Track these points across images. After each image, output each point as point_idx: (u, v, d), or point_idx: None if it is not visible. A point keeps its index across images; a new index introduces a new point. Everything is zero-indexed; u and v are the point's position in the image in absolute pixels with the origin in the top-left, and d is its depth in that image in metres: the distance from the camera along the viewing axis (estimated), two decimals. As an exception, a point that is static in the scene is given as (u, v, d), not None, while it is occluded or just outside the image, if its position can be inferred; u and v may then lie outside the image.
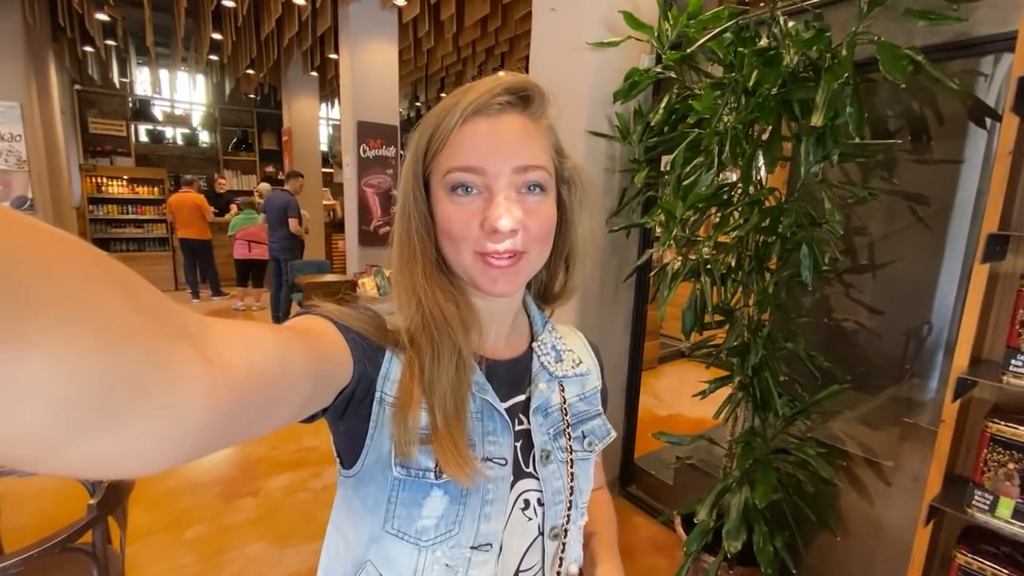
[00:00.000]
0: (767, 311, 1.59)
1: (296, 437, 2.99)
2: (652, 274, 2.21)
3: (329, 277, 4.72)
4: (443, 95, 8.82)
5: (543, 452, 0.58)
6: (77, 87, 8.12)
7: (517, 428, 0.57)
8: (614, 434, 0.66)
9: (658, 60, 1.96)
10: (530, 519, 0.57)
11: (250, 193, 7.67)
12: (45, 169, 5.65)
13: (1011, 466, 1.20)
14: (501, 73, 0.51)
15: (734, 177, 1.68)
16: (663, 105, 1.82)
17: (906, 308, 1.89)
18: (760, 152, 1.54)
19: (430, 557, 0.51)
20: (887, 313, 1.88)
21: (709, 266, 1.60)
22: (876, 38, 1.28)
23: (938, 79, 1.24)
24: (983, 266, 1.24)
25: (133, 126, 8.55)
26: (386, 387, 0.50)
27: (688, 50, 1.62)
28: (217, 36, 5.79)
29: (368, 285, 3.94)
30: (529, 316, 0.64)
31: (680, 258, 1.65)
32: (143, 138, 8.76)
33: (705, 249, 1.59)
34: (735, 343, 1.62)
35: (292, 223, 4.75)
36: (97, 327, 0.20)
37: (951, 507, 1.29)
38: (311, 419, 0.45)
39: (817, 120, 1.29)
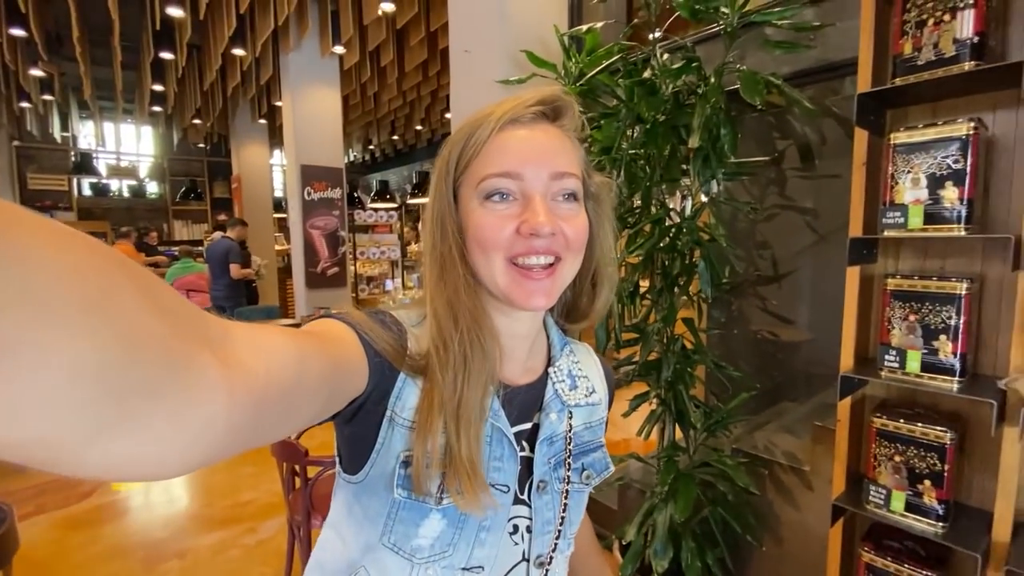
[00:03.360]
0: (674, 325, 1.64)
1: (231, 492, 2.84)
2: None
3: (275, 323, 4.62)
4: (395, 137, 8.96)
5: (540, 483, 0.57)
6: (16, 143, 7.91)
7: (520, 455, 0.56)
8: (612, 468, 0.64)
9: (565, 94, 2.06)
10: (516, 544, 0.56)
11: (200, 243, 7.52)
12: (-27, 227, 5.41)
13: (897, 459, 1.25)
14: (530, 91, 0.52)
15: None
16: (569, 135, 1.90)
17: (821, 316, 1.98)
18: (660, 175, 1.62)
19: (422, 573, 0.51)
20: (801, 322, 1.97)
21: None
22: (739, 67, 1.39)
23: (795, 99, 1.35)
24: (853, 268, 1.33)
25: (75, 180, 8.33)
26: (397, 407, 0.49)
27: (580, 84, 1.71)
28: (158, 88, 5.79)
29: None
30: (548, 337, 0.62)
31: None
32: (86, 192, 8.53)
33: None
34: (648, 358, 1.66)
35: (233, 268, 4.69)
36: (119, 331, 0.20)
37: (852, 505, 1.33)
38: (319, 422, 0.45)
39: (694, 142, 1.38)
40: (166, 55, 4.73)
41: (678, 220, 1.65)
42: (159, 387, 0.22)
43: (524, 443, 0.57)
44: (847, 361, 1.34)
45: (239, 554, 2.30)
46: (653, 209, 1.67)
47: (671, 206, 1.71)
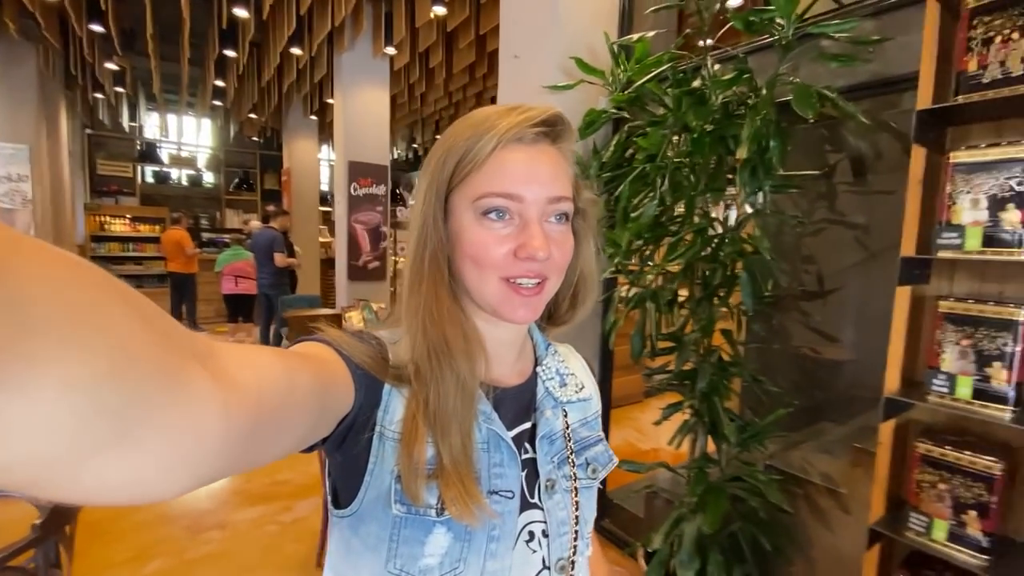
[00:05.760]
0: (712, 336, 1.63)
1: (270, 470, 2.97)
2: (599, 300, 2.25)
3: (316, 311, 4.78)
4: (438, 136, 9.11)
5: (548, 482, 0.56)
6: (88, 131, 8.46)
7: (523, 457, 0.55)
8: (616, 460, 0.65)
9: (613, 101, 2.08)
10: (534, 551, 0.55)
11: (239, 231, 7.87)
12: (50, 208, 5.83)
13: (941, 486, 1.21)
14: (526, 104, 0.52)
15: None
16: (613, 142, 1.91)
17: (866, 336, 1.92)
18: (703, 184, 1.62)
19: None
20: (846, 341, 1.91)
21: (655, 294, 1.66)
22: (792, 79, 1.37)
23: (849, 113, 1.33)
24: (903, 288, 1.29)
25: (139, 167, 8.85)
26: (386, 420, 0.49)
27: (629, 92, 1.73)
28: (220, 83, 6.09)
29: (355, 318, 4.00)
30: (533, 340, 0.63)
31: (627, 286, 1.70)
32: (148, 179, 9.05)
33: (649, 277, 1.64)
34: (683, 368, 1.66)
35: (278, 257, 4.87)
36: (110, 347, 0.20)
37: (890, 531, 1.29)
38: (310, 448, 0.45)
39: (742, 153, 1.37)
40: (229, 53, 4.98)
41: (721, 231, 1.64)
42: (154, 402, 0.22)
43: (526, 444, 0.57)
44: (892, 383, 1.30)
45: (275, 530, 2.41)
46: (696, 218, 1.67)
47: (714, 216, 1.70)
